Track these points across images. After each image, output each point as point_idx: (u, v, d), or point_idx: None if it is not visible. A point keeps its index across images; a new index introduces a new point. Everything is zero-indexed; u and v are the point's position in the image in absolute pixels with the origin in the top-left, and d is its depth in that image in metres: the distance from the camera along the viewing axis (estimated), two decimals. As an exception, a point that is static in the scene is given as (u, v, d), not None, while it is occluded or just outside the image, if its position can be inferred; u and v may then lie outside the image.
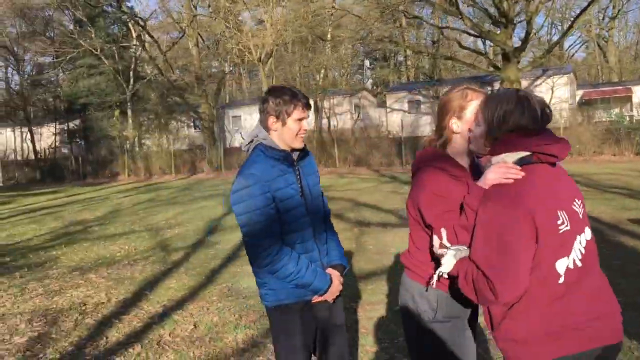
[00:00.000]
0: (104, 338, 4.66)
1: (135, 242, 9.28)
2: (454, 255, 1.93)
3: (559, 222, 1.80)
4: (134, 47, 31.71)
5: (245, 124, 34.26)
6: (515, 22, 22.62)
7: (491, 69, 24.41)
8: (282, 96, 2.47)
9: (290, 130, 2.49)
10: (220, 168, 27.99)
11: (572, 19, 36.19)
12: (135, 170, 30.27)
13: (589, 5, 21.84)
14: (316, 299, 2.52)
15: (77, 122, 35.40)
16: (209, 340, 4.50)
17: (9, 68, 45.33)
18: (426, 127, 30.29)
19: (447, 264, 1.94)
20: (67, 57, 30.28)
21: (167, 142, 31.67)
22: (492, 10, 23.48)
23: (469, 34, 25.59)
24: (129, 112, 31.88)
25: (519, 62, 22.09)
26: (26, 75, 39.53)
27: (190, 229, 10.30)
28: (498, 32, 22.37)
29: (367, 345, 4.19)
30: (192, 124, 35.93)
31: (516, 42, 23.45)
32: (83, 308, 5.56)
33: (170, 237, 9.61)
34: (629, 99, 31.87)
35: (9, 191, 25.33)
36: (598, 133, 22.18)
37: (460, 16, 21.73)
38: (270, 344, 4.31)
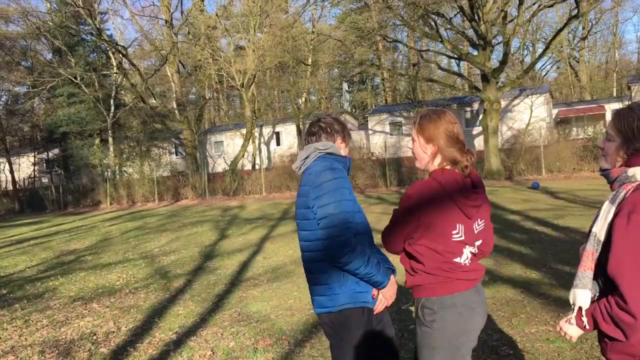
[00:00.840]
0: (123, 367, 4.64)
1: (132, 270, 9.21)
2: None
3: None
4: (115, 75, 31.66)
5: (227, 149, 34.26)
6: (493, 44, 23.21)
7: (471, 90, 24.88)
8: (344, 124, 2.81)
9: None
10: (204, 194, 27.87)
11: (544, 39, 37.28)
12: (118, 198, 29.97)
13: (564, 27, 22.55)
14: (377, 307, 2.59)
15: (56, 151, 35.02)
16: (230, 365, 4.50)
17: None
18: (408, 148, 30.66)
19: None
20: (47, 87, 30.12)
21: (149, 169, 31.47)
22: (469, 32, 24.07)
23: (449, 57, 26.17)
24: (110, 139, 31.68)
25: (497, 82, 22.59)
26: (1, 105, 39.12)
27: (186, 255, 10.26)
28: (476, 54, 22.90)
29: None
30: (173, 150, 35.82)
31: (494, 63, 24.01)
32: (94, 338, 5.51)
33: (167, 264, 9.55)
34: (602, 116, 32.69)
35: (-12, 223, 24.85)
36: (576, 150, 22.67)
37: (440, 39, 22.21)
38: (292, 367, 4.34)
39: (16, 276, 9.48)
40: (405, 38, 39.79)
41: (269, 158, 33.74)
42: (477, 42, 22.64)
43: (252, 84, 28.56)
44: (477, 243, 2.37)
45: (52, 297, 7.58)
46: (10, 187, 35.62)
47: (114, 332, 5.68)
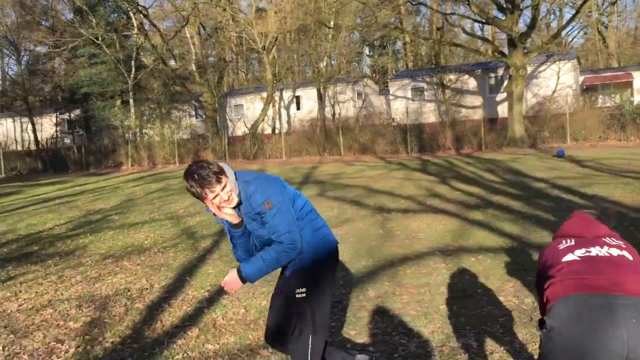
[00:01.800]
0: (159, 322, 4.74)
1: (159, 230, 9.34)
2: None
3: None
4: (135, 36, 31.53)
5: (247, 112, 34.20)
6: (521, 7, 22.62)
7: (495, 55, 24.40)
8: (191, 185, 2.71)
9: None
10: (224, 157, 27.98)
11: (572, 3, 36.23)
12: (139, 159, 30.22)
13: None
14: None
15: (77, 111, 35.24)
16: (263, 323, 4.57)
17: (8, 58, 45.21)
18: (430, 114, 30.32)
19: None
20: (69, 47, 30.14)
21: (169, 132, 31.59)
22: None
23: (476, 21, 25.59)
24: (131, 101, 31.74)
25: (524, 47, 22.11)
26: (24, 65, 39.29)
27: (212, 218, 10.30)
28: (503, 18, 22.36)
29: (422, 326, 4.27)
30: (193, 113, 35.84)
31: (521, 27, 23.45)
32: (128, 294, 5.63)
33: (193, 224, 9.66)
34: (629, 84, 31.95)
35: (14, 181, 25.28)
36: (603, 119, 22.28)
37: (467, 2, 21.69)
38: (325, 326, 4.39)
39: (46, 234, 9.66)
40: (428, 1, 38.99)
41: (288, 122, 33.64)
42: (505, 6, 22.09)
43: (273, 46, 28.30)
44: None
45: (83, 255, 7.73)
46: (33, 146, 36.07)
47: (147, 289, 5.79)
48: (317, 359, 2.98)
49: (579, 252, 2.24)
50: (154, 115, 33.12)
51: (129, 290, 5.75)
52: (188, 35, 35.60)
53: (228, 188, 2.72)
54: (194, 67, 32.82)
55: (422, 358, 3.69)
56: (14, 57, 37.61)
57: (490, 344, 3.85)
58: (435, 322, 4.31)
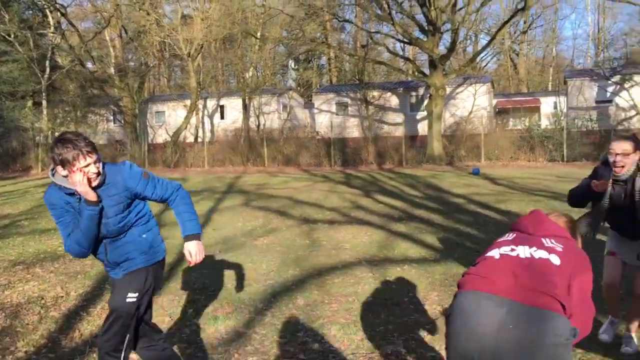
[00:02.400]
0: (77, 331, 4.48)
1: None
2: None
3: None
4: (51, 35, 30.02)
5: (169, 119, 33.37)
6: (442, 30, 23.59)
7: (417, 74, 25.26)
8: (64, 147, 2.67)
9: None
10: (144, 164, 27.11)
11: (487, 30, 38.25)
12: (50, 164, 28.66)
13: (510, 18, 23.21)
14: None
15: (-17, 111, 33.00)
16: (190, 332, 4.44)
17: None
18: (353, 129, 30.86)
19: None
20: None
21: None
22: (419, 17, 24.34)
23: (399, 40, 26.36)
24: (44, 102, 30.08)
25: (444, 69, 23.05)
26: None
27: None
28: (425, 39, 23.23)
29: (352, 333, 4.29)
30: (111, 117, 34.54)
31: (441, 50, 24.43)
32: (42, 302, 5.29)
33: (111, 231, 9.25)
34: (537, 109, 34.02)
35: None
36: (514, 140, 23.54)
37: (391, 22, 22.36)
38: (254, 334, 4.33)
39: (-54, 238, 8.93)
40: (353, 19, 39.80)
41: (212, 131, 33.14)
42: (427, 28, 22.97)
43: (198, 54, 27.86)
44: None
45: (-11, 261, 7.20)
46: None
47: (62, 297, 5.47)
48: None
49: (504, 250, 2.30)
50: (69, 119, 31.54)
51: (42, 299, 5.41)
52: (108, 38, 34.37)
53: (99, 164, 2.76)
54: (112, 70, 31.69)
55: (353, 364, 3.70)
56: None
57: (418, 350, 3.92)
58: (364, 330, 4.35)
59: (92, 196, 2.73)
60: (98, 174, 2.74)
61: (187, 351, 4.01)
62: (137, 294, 2.93)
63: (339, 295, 5.27)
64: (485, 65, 52.16)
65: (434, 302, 4.98)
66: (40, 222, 10.57)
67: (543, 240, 2.33)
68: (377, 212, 10.59)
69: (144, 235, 3.00)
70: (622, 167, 3.56)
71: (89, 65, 31.64)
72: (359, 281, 5.73)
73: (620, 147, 3.54)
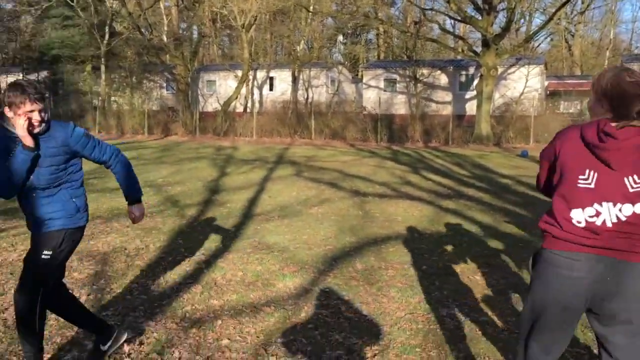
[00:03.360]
0: (162, 278, 5.03)
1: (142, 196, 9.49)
2: None
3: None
4: (111, 1, 30.95)
5: (219, 89, 34.07)
6: (497, 9, 23.30)
7: (468, 53, 25.06)
8: (13, 91, 2.84)
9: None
10: (194, 132, 27.93)
11: (542, 10, 37.30)
12: (107, 127, 29.82)
13: (569, -1, 22.67)
14: None
15: (45, 73, 34.40)
16: (262, 284, 4.93)
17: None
18: (400, 106, 30.90)
19: None
20: (43, 6, 29.38)
21: (139, 101, 31.24)
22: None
23: (452, 18, 26.16)
24: (102, 67, 31.20)
25: (497, 49, 22.81)
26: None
27: (192, 188, 10.58)
28: (480, 18, 23.00)
29: (409, 296, 4.69)
30: (165, 85, 35.50)
31: (495, 29, 24.13)
32: (126, 252, 5.88)
33: (174, 194, 9.87)
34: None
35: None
36: (565, 124, 23.21)
37: (447, 0, 22.21)
38: (319, 291, 4.78)
39: (26, 192, 9.71)
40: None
41: (260, 102, 33.71)
42: (482, 6, 22.70)
43: (252, 25, 28.28)
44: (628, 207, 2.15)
45: (69, 214, 7.87)
46: (-4, 105, 35.04)
47: (142, 248, 6.05)
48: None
49: (588, 213, 2.19)
50: (125, 84, 32.64)
51: (125, 249, 6.00)
52: (162, 6, 35.13)
53: (45, 115, 2.92)
54: (164, 38, 32.45)
55: (413, 322, 4.11)
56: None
57: (471, 314, 4.29)
58: (420, 294, 4.75)
59: (29, 141, 2.86)
60: (41, 121, 2.89)
61: (262, 302, 4.49)
62: (51, 252, 3.05)
63: (395, 263, 5.67)
64: (538, 46, 51.00)
65: (485, 274, 5.32)
66: (108, 181, 11.26)
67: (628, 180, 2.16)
68: (426, 188, 10.89)
69: (74, 200, 3.16)
70: None
71: (145, 32, 32.49)
72: (413, 251, 6.11)
73: None
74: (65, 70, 31.38)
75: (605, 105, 2.19)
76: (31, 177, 2.96)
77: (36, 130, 2.90)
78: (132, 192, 3.42)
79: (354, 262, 5.67)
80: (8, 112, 2.86)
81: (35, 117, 2.85)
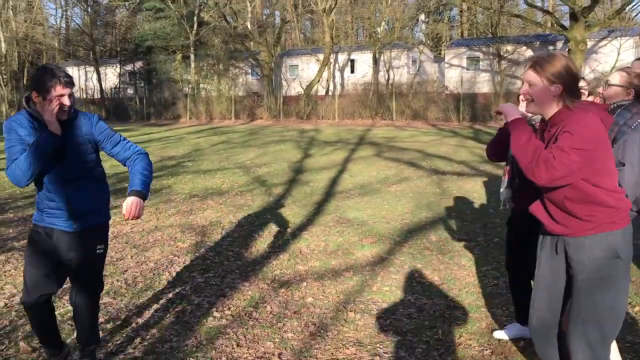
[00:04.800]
0: (254, 247, 5.64)
1: (232, 177, 10.28)
2: None
3: None
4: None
5: (302, 73, 34.85)
6: (586, -19, 22.32)
7: (556, 27, 24.17)
8: (43, 75, 2.76)
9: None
10: (279, 115, 28.85)
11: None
12: (196, 113, 31.45)
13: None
14: None
15: (140, 64, 36.62)
16: (342, 253, 5.42)
17: (72, 8, 46.89)
18: (483, 84, 30.31)
19: None
20: (137, 0, 31.31)
21: (226, 88, 32.60)
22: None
23: (538, -8, 25.29)
24: (192, 56, 32.84)
25: (586, 22, 21.88)
26: (91, 15, 40.74)
27: (278, 169, 11.24)
28: (568, -10, 22.09)
29: (480, 265, 5.01)
30: (249, 71, 36.74)
31: (585, 1, 23.08)
32: (221, 225, 6.56)
33: (262, 174, 10.56)
34: (694, 64, 30.98)
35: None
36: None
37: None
38: (395, 259, 5.20)
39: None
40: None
41: (342, 85, 34.16)
42: (570, -22, 21.80)
43: (333, 9, 28.69)
44: None
45: (169, 193, 8.74)
46: (97, 95, 37.76)
47: (235, 223, 6.71)
48: None
49: None
50: (212, 71, 34.16)
51: (220, 223, 6.69)
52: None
53: (73, 100, 2.85)
54: (249, 26, 33.52)
55: (480, 287, 4.45)
56: (82, 7, 39.00)
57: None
58: (490, 264, 5.05)
59: (55, 127, 2.77)
60: (70, 107, 2.82)
61: (342, 268, 4.98)
62: (103, 245, 3.06)
63: (468, 235, 5.97)
64: (635, 16, 47.85)
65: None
66: (202, 164, 12.20)
67: None
68: (506, 167, 10.93)
69: (106, 194, 3.09)
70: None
71: (230, 21, 33.75)
72: (486, 225, 6.38)
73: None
74: (157, 60, 33.29)
75: (558, 89, 2.35)
76: (60, 166, 2.86)
77: (64, 117, 2.84)
78: (144, 187, 2.93)
79: (429, 234, 6.04)
80: (36, 97, 2.79)
81: (65, 101, 2.78)
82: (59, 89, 2.74)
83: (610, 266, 2.36)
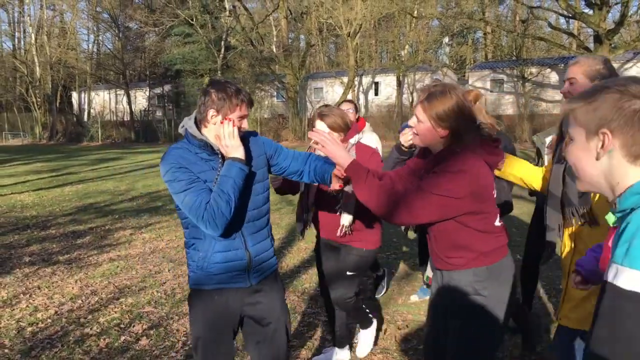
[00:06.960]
0: (283, 263, 5.91)
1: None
2: None
3: None
4: (226, 18, 33.33)
5: (326, 95, 35.40)
6: (610, 3, 22.43)
7: (581, 50, 24.27)
8: (226, 90, 2.21)
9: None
10: (303, 137, 29.31)
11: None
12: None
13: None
14: None
15: (168, 87, 37.64)
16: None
17: (103, 33, 48.48)
18: (508, 106, 30.41)
19: None
20: (167, 26, 32.35)
21: (252, 110, 33.16)
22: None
23: (561, 15, 25.47)
24: (219, 80, 33.63)
25: (611, 44, 21.96)
26: (123, 41, 42.09)
27: (304, 189, 11.52)
28: (592, 13, 22.26)
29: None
30: (275, 93, 37.43)
31: (609, 24, 23.21)
32: (252, 242, 6.84)
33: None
34: None
35: (109, 148, 27.59)
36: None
37: (555, -2, 21.75)
38: (420, 274, 5.41)
39: (163, 193, 11.15)
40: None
41: (366, 107, 34.56)
42: (593, 1, 21.98)
43: (358, 33, 29.24)
44: None
45: (201, 211, 9.06)
46: (127, 117, 38.82)
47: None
48: None
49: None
50: (239, 94, 34.87)
51: (251, 240, 6.97)
52: (272, 19, 37.12)
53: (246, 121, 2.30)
54: (274, 49, 34.27)
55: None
56: (114, 32, 40.34)
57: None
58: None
59: (241, 153, 2.21)
60: (242, 128, 2.27)
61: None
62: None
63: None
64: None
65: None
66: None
67: None
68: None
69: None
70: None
71: (256, 45, 34.57)
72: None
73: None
74: (186, 83, 34.18)
75: (443, 132, 2.10)
76: (245, 200, 2.28)
77: (239, 135, 2.24)
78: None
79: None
80: (213, 118, 2.20)
81: (245, 126, 2.27)
82: (243, 109, 2.22)
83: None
